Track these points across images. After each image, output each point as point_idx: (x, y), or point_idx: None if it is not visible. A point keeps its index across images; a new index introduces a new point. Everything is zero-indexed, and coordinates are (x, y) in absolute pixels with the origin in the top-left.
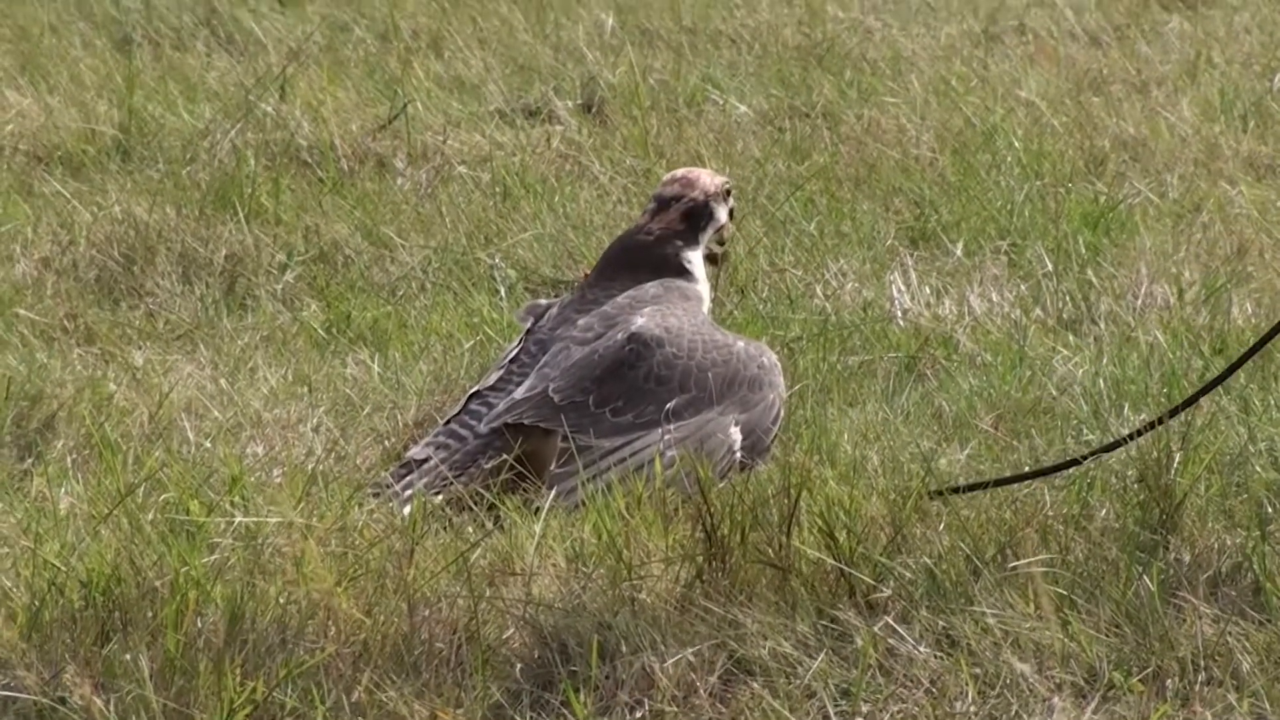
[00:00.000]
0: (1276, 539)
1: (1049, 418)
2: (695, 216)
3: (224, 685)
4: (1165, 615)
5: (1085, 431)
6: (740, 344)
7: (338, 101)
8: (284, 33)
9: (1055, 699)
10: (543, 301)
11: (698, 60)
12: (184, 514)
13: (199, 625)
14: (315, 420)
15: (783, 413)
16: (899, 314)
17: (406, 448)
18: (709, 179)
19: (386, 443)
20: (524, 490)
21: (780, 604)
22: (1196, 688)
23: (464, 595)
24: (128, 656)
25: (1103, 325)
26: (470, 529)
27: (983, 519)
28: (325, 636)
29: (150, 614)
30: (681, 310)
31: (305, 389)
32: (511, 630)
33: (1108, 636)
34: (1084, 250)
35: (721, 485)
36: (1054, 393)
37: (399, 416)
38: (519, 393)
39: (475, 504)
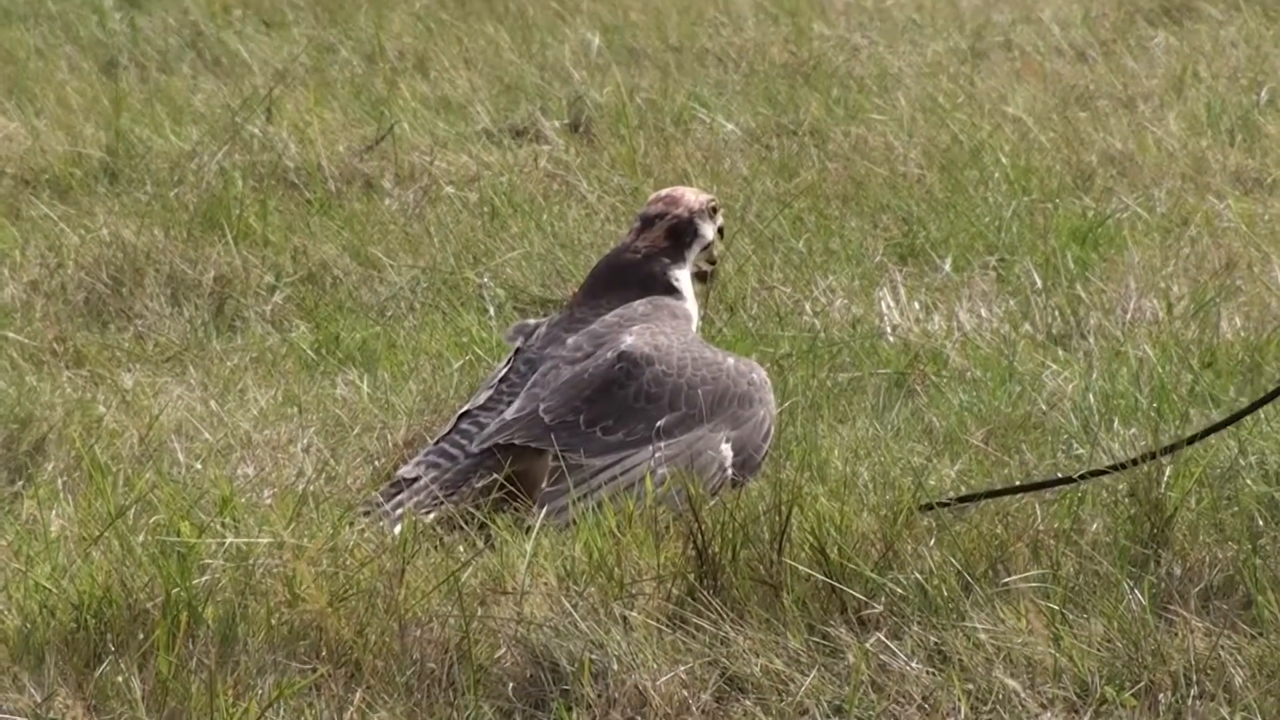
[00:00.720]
0: (1268, 552)
1: (1039, 433)
2: (680, 233)
3: (216, 706)
4: (1157, 629)
5: (1075, 446)
6: (730, 361)
7: (324, 122)
8: (270, 54)
9: (1047, 714)
10: (531, 321)
11: (685, 79)
12: (175, 535)
13: (191, 646)
14: (305, 441)
15: (773, 430)
16: (888, 330)
17: (396, 467)
18: (693, 196)
19: (377, 463)
20: (515, 509)
21: (772, 621)
22: (1189, 702)
23: (455, 615)
24: (119, 678)
25: (1092, 340)
26: (461, 548)
27: (974, 534)
28: (317, 657)
29: (142, 635)
30: (670, 328)
31: (295, 410)
32: (503, 649)
33: (1099, 651)
34: (1072, 265)
35: (712, 503)
36: (1044, 407)
37: (389, 436)
38: (509, 413)
39: (466, 523)
